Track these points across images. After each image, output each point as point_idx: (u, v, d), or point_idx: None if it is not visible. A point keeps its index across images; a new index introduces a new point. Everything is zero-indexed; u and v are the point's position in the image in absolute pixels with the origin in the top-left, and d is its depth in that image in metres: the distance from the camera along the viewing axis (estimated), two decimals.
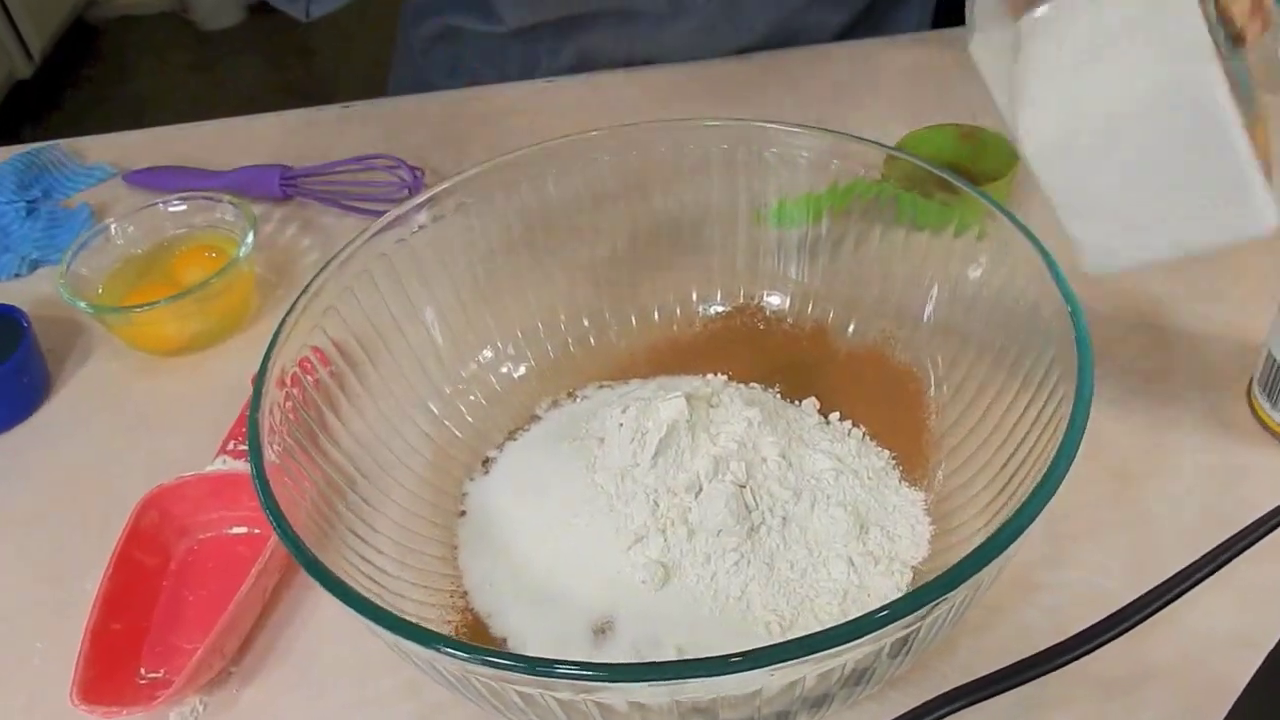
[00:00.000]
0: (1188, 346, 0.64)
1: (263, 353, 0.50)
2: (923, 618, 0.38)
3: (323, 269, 0.54)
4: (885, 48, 0.94)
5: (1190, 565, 0.41)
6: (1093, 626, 0.41)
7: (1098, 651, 0.40)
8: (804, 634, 0.37)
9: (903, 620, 0.37)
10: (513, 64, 0.98)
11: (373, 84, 1.09)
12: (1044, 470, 0.41)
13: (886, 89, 0.89)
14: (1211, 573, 0.41)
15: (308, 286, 0.53)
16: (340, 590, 0.41)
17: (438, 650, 0.38)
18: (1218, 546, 0.41)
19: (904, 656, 0.42)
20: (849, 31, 0.98)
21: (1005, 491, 0.48)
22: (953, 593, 0.38)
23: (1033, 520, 0.39)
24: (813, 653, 0.36)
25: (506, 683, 0.39)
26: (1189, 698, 0.48)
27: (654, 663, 0.37)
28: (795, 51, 0.95)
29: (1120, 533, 0.55)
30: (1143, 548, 0.55)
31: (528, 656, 0.38)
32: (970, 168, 0.74)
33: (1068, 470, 0.41)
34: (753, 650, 0.36)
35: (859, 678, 0.42)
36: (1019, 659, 0.42)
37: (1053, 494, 0.40)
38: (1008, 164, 0.72)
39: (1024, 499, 0.40)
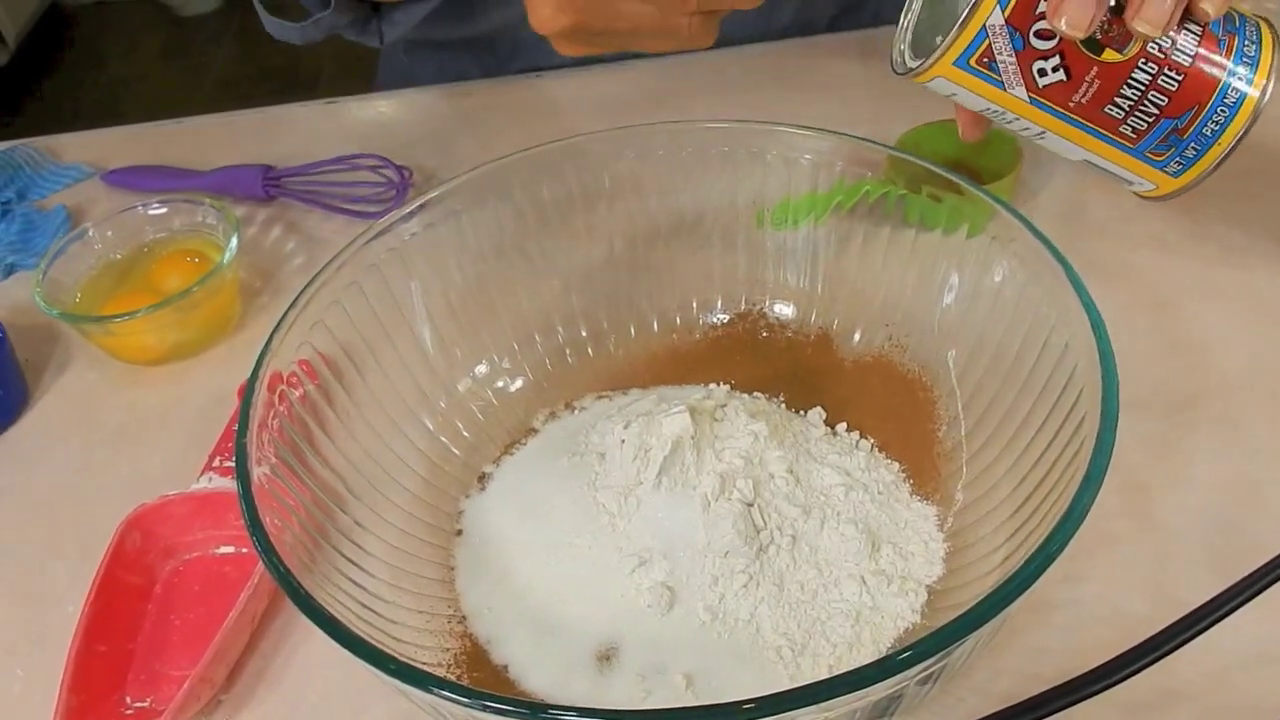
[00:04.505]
0: (1200, 348, 0.63)
1: (246, 362, 0.49)
2: (949, 654, 0.37)
3: (310, 282, 0.52)
4: (879, 40, 0.92)
5: (1226, 591, 0.40)
6: (1125, 654, 0.40)
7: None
8: (826, 676, 0.35)
9: (930, 659, 0.36)
10: (500, 61, 0.95)
11: (353, 69, 1.05)
12: (1072, 493, 0.40)
13: (882, 83, 0.87)
14: (1249, 599, 0.39)
15: (295, 301, 0.51)
16: (334, 630, 0.39)
17: (434, 694, 0.36)
18: (1255, 572, 0.39)
19: (933, 684, 0.40)
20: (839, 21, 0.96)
21: (1025, 508, 0.47)
22: (982, 628, 0.36)
23: (1064, 547, 0.38)
24: (834, 696, 0.35)
25: None
26: None
27: (664, 710, 0.35)
28: (789, 44, 0.93)
29: (1134, 546, 0.53)
30: (1159, 562, 0.53)
31: (532, 702, 0.36)
32: (973, 165, 0.72)
33: (1098, 490, 0.39)
34: (770, 696, 0.34)
35: (884, 709, 0.40)
36: (1049, 687, 0.41)
37: (1083, 518, 0.39)
38: (1011, 162, 0.71)
39: (1053, 524, 0.39)
